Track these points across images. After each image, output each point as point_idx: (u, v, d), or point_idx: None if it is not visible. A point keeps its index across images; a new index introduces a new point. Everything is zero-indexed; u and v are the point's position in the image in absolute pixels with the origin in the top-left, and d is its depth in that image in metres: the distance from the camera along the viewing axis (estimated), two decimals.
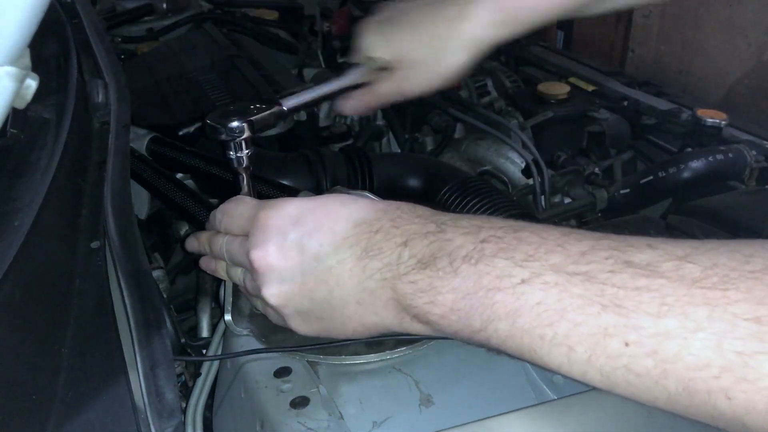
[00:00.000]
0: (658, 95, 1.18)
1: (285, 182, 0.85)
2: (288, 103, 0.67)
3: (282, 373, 0.53)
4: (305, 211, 0.50)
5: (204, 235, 0.59)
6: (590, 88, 1.21)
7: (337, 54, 1.51)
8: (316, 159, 0.89)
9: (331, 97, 0.76)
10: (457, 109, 1.12)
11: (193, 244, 0.61)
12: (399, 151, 1.19)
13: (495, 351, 0.43)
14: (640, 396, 0.37)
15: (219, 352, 0.61)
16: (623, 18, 2.70)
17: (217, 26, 1.42)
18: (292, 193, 0.78)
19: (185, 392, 0.62)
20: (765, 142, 1.00)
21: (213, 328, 0.70)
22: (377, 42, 0.74)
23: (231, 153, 0.60)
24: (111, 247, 0.57)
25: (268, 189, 0.79)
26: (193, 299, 0.73)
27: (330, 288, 0.48)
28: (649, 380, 0.36)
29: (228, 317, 0.59)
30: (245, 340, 0.57)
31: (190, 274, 0.86)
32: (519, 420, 0.47)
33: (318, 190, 0.87)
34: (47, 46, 0.76)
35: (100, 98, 0.78)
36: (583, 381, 0.39)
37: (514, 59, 1.36)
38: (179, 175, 0.89)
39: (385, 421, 0.48)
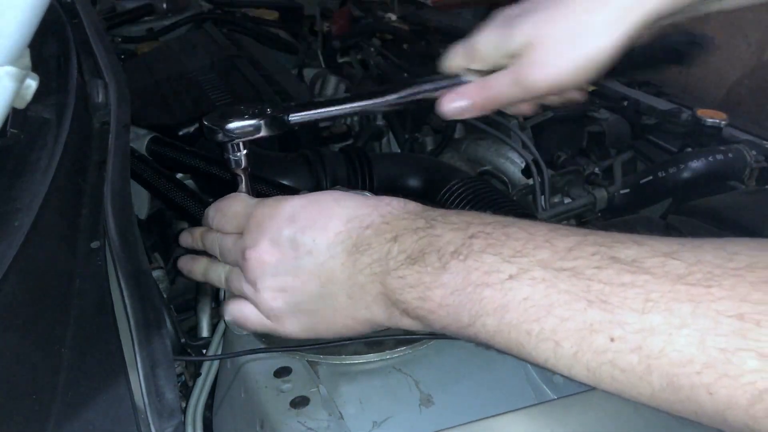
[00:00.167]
0: (658, 95, 1.18)
1: (285, 182, 0.85)
2: (294, 118, 0.60)
3: (282, 373, 0.53)
4: (299, 208, 0.50)
5: (198, 231, 0.60)
6: (590, 87, 1.21)
7: (337, 54, 1.51)
8: (316, 159, 0.89)
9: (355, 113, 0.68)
10: None
11: (186, 239, 0.61)
12: (399, 151, 1.19)
13: (483, 346, 0.43)
14: (625, 392, 0.38)
15: (219, 352, 0.61)
16: None
17: (217, 26, 1.42)
18: (291, 193, 0.78)
19: (185, 392, 0.62)
20: (765, 142, 1.00)
21: (213, 328, 0.70)
22: (491, 36, 0.57)
23: (228, 154, 0.60)
24: (111, 247, 0.57)
25: (268, 189, 0.79)
26: (193, 299, 0.73)
27: (322, 282, 0.48)
28: (634, 376, 0.36)
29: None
30: (245, 340, 0.57)
31: None
32: (519, 420, 0.47)
33: (318, 190, 0.86)
34: (47, 46, 0.76)
35: (100, 98, 0.78)
36: (569, 376, 0.39)
37: None
38: (179, 175, 0.89)
39: (385, 421, 0.48)
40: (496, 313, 0.41)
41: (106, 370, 0.48)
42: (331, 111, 0.62)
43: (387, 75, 1.29)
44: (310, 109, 0.62)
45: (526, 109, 0.64)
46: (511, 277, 0.40)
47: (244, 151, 0.60)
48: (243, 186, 0.61)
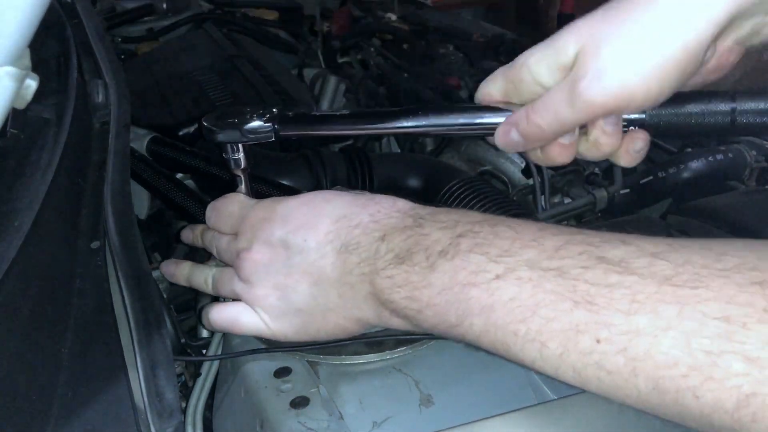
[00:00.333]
0: None
1: (285, 182, 0.85)
2: (285, 131, 0.57)
3: (282, 373, 0.53)
4: (291, 209, 0.51)
5: (198, 228, 0.60)
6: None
7: (337, 54, 1.51)
8: (316, 159, 0.89)
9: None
10: None
11: (188, 235, 0.62)
12: (399, 151, 1.19)
13: (472, 347, 0.43)
14: (612, 394, 0.37)
15: (219, 352, 0.61)
16: None
17: (217, 26, 1.42)
18: (291, 193, 0.78)
19: (185, 392, 0.62)
20: (765, 142, 1.00)
21: None
22: (537, 52, 0.47)
23: (228, 154, 0.60)
24: (111, 247, 0.57)
25: (267, 189, 0.79)
26: (193, 299, 0.73)
27: (314, 281, 0.49)
28: (620, 378, 0.36)
29: None
30: (245, 340, 0.57)
31: None
32: (519, 420, 0.47)
33: (318, 190, 0.86)
34: (47, 46, 0.76)
35: (100, 98, 0.78)
36: (556, 377, 0.39)
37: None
38: (179, 175, 0.89)
39: (385, 421, 0.48)
40: (482, 313, 0.40)
41: (106, 370, 0.48)
42: (334, 128, 0.59)
43: (387, 75, 1.29)
44: (308, 124, 0.59)
45: (558, 155, 0.50)
46: (497, 276, 0.40)
47: (243, 152, 0.60)
48: (242, 186, 0.61)
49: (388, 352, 0.54)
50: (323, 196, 0.52)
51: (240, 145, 0.59)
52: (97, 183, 0.65)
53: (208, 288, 0.57)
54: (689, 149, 1.02)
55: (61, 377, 0.47)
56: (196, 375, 0.61)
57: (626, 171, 1.00)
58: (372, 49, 1.43)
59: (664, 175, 0.93)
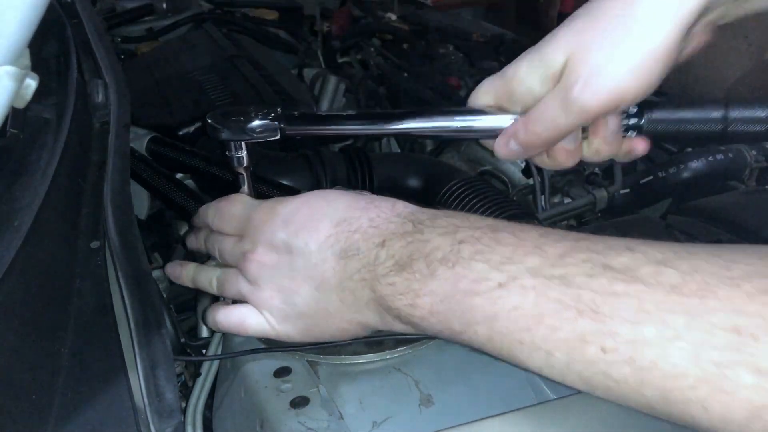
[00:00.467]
0: (658, 95, 1.18)
1: (285, 182, 0.85)
2: (290, 130, 0.58)
3: (282, 373, 0.53)
4: (293, 210, 0.51)
5: (202, 233, 0.60)
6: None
7: (337, 54, 1.51)
8: (316, 159, 0.89)
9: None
10: None
11: (192, 242, 0.62)
12: (399, 151, 1.19)
13: (478, 352, 0.43)
14: (620, 401, 0.37)
15: (219, 352, 0.61)
16: None
17: (217, 26, 1.42)
18: (291, 193, 0.78)
19: (185, 392, 0.62)
20: (765, 142, 1.00)
21: None
22: (525, 60, 0.50)
23: (231, 152, 0.60)
24: (111, 247, 0.57)
25: (268, 189, 0.79)
26: (193, 299, 0.73)
27: (316, 285, 0.48)
28: (627, 387, 0.35)
29: None
30: (245, 340, 0.57)
31: None
32: (519, 420, 0.47)
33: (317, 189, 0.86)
34: (47, 46, 0.76)
35: (100, 98, 0.78)
36: (563, 384, 0.39)
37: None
38: (179, 175, 0.89)
39: (385, 421, 0.48)
40: (486, 322, 0.40)
41: (106, 370, 0.48)
42: (337, 129, 0.61)
43: (387, 75, 1.29)
44: (327, 123, 0.61)
45: (565, 159, 0.53)
46: (500, 285, 0.39)
47: (246, 150, 0.60)
48: (245, 186, 0.61)
49: (388, 352, 0.54)
50: (323, 196, 0.51)
51: (243, 144, 0.59)
52: (97, 183, 0.65)
53: (212, 289, 0.57)
54: (689, 149, 1.02)
55: (61, 377, 0.47)
56: (196, 375, 0.61)
57: (626, 171, 1.00)
58: (372, 49, 1.43)
59: (664, 175, 0.93)
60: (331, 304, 0.49)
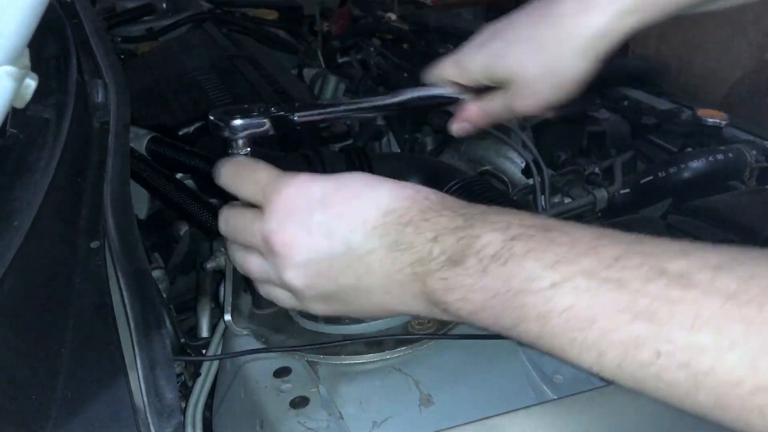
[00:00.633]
0: (659, 95, 1.18)
1: None
2: (301, 118, 0.61)
3: (282, 373, 0.53)
4: (330, 191, 0.48)
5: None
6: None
7: (337, 54, 1.51)
8: (316, 159, 0.89)
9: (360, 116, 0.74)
10: None
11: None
12: (399, 151, 1.19)
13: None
14: (673, 404, 0.37)
15: (219, 352, 0.61)
16: None
17: (217, 26, 1.42)
18: None
19: (185, 392, 0.62)
20: (765, 142, 1.00)
21: (213, 328, 0.70)
22: (479, 62, 0.64)
23: (233, 150, 0.60)
24: (111, 247, 0.57)
25: None
26: (193, 299, 0.73)
27: (358, 275, 0.47)
28: (680, 391, 0.35)
29: (228, 317, 0.59)
30: (245, 340, 0.57)
31: (190, 274, 0.86)
32: (519, 420, 0.47)
33: None
34: (47, 46, 0.76)
35: (100, 98, 0.78)
36: (615, 382, 0.39)
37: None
38: (179, 175, 0.89)
39: (385, 421, 0.48)
40: (538, 320, 0.40)
41: (105, 370, 0.48)
42: (335, 112, 0.65)
43: (387, 75, 1.29)
44: (313, 110, 0.62)
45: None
46: (553, 285, 0.39)
47: (248, 149, 0.60)
48: None
49: (388, 352, 0.54)
50: (363, 180, 0.48)
51: (245, 142, 0.59)
52: (96, 183, 0.65)
53: (237, 265, 0.53)
54: (689, 149, 1.02)
55: (61, 377, 0.47)
56: (196, 375, 0.61)
57: (626, 171, 1.00)
58: (372, 49, 1.43)
59: (664, 175, 0.93)
60: (374, 294, 0.47)
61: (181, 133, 0.96)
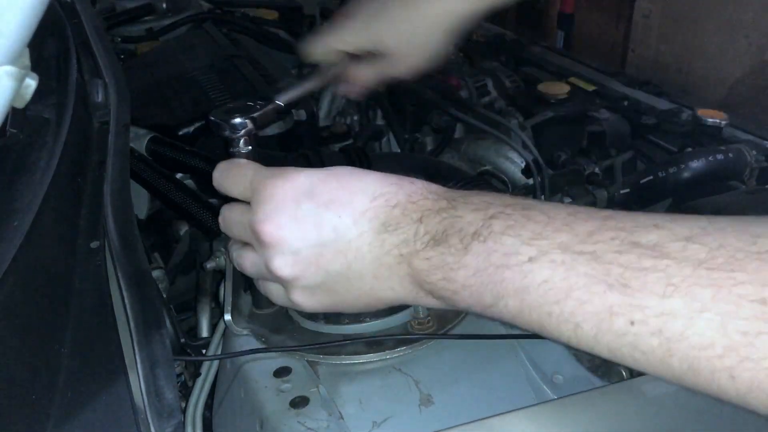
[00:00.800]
0: (659, 95, 1.18)
1: None
2: (282, 99, 0.66)
3: (282, 372, 0.53)
4: (317, 181, 0.49)
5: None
6: (590, 87, 1.21)
7: None
8: (316, 159, 0.89)
9: (321, 86, 0.81)
10: (457, 109, 1.12)
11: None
12: (399, 151, 1.19)
13: (509, 325, 0.44)
14: (648, 371, 0.38)
15: (219, 352, 0.61)
16: (623, 18, 2.70)
17: (217, 26, 1.42)
18: None
19: (185, 392, 0.62)
20: (765, 142, 1.00)
21: (213, 328, 0.70)
22: (351, 34, 0.76)
23: (234, 149, 0.60)
24: (111, 247, 0.57)
25: None
26: (193, 299, 0.73)
27: (348, 261, 0.47)
28: (654, 358, 0.36)
29: (228, 317, 0.59)
30: (245, 340, 0.57)
31: (190, 274, 0.86)
32: (519, 420, 0.47)
33: None
34: (47, 46, 0.76)
35: (100, 98, 0.78)
36: (592, 354, 0.40)
37: (514, 59, 1.36)
38: (179, 175, 0.89)
39: (385, 421, 0.48)
40: (516, 294, 0.41)
41: (105, 370, 0.48)
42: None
43: None
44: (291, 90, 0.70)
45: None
46: (530, 259, 0.40)
47: (249, 147, 0.60)
48: None
49: (388, 352, 0.54)
50: (350, 171, 0.50)
51: (246, 140, 0.59)
52: (96, 183, 0.65)
53: (234, 261, 0.54)
54: (689, 149, 1.02)
55: (61, 377, 0.47)
56: (196, 375, 0.61)
57: (626, 171, 1.00)
58: None
59: (664, 174, 0.93)
60: (363, 280, 0.48)
61: (181, 133, 0.96)
